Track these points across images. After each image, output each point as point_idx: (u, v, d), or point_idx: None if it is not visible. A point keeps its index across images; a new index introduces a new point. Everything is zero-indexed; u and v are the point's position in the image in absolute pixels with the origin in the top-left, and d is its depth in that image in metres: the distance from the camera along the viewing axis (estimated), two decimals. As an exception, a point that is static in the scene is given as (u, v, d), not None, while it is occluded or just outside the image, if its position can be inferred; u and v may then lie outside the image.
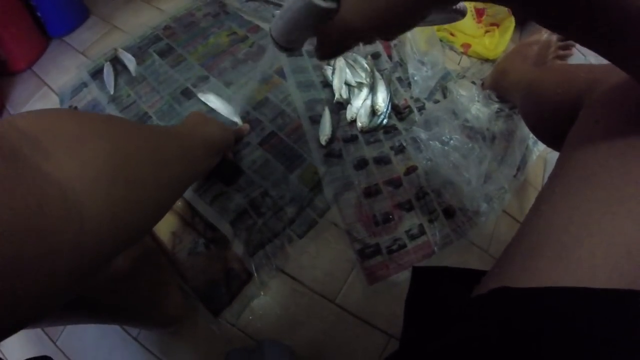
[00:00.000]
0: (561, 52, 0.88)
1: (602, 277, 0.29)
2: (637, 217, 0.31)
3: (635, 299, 0.28)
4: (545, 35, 0.87)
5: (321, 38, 0.31)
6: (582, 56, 0.95)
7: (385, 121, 0.81)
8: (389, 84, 0.85)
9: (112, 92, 0.88)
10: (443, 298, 0.43)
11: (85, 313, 0.50)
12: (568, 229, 0.33)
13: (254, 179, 0.74)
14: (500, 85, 0.90)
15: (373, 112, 0.81)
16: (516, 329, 0.30)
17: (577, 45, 0.88)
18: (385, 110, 0.81)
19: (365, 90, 0.83)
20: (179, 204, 0.73)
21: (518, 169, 0.89)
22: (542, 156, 0.97)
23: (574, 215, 0.33)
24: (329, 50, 0.32)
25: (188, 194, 0.73)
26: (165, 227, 0.71)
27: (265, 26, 0.95)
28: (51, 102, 0.94)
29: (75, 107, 0.88)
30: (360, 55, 0.89)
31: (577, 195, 0.35)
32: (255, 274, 0.68)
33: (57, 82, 0.97)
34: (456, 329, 0.35)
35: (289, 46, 0.35)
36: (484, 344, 0.31)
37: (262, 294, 0.68)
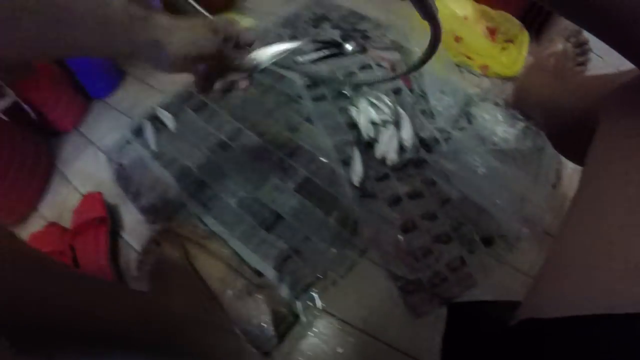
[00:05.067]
0: (579, 59, 0.88)
1: (626, 300, 0.29)
2: None
3: None
4: (560, 45, 0.88)
5: None
6: (600, 58, 0.95)
7: (413, 155, 0.84)
8: (413, 118, 0.87)
9: (154, 149, 0.94)
10: (478, 332, 0.44)
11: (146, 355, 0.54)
12: (590, 253, 0.33)
13: (294, 225, 0.78)
14: (523, 104, 0.91)
15: (401, 147, 0.84)
16: (544, 356, 0.31)
17: (594, 49, 0.88)
18: (412, 144, 0.83)
19: (390, 127, 0.85)
20: (225, 252, 0.77)
21: (553, 186, 0.88)
22: (577, 168, 0.96)
23: (593, 237, 0.33)
24: None
25: (234, 242, 0.77)
26: (215, 274, 0.75)
27: (289, 75, 1.00)
28: (98, 159, 1.00)
29: (122, 165, 0.94)
30: (382, 92, 0.92)
31: (596, 216, 0.35)
32: (302, 316, 0.70)
33: (102, 141, 1.03)
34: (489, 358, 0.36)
35: None
36: None
37: (309, 334, 0.70)
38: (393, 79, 0.46)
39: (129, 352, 0.53)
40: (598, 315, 0.29)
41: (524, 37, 1.09)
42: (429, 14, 0.35)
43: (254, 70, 0.56)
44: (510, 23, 1.10)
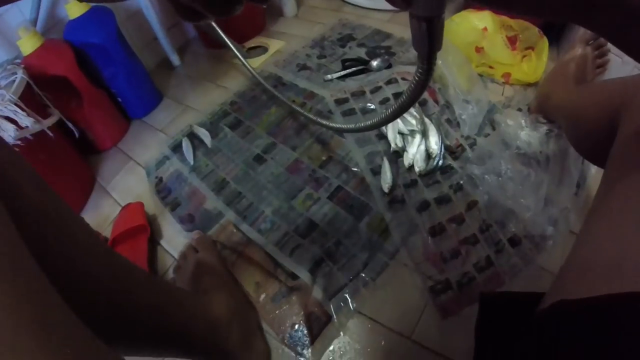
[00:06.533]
0: (599, 61, 0.90)
1: None
2: None
3: None
4: (580, 50, 0.90)
5: None
6: (618, 58, 0.96)
7: (440, 162, 0.88)
8: (439, 127, 0.92)
9: (192, 163, 1.03)
10: (509, 319, 0.45)
11: (183, 351, 0.59)
12: (616, 245, 0.34)
13: (327, 231, 0.83)
14: (545, 109, 0.94)
15: (428, 155, 0.89)
16: (576, 336, 0.32)
17: (612, 50, 0.90)
18: (439, 152, 0.88)
19: (418, 137, 0.90)
20: (261, 257, 0.83)
21: (578, 186, 0.90)
22: (600, 170, 0.97)
23: (619, 229, 0.35)
24: None
25: (270, 247, 0.83)
26: (250, 278, 0.81)
27: (318, 92, 1.07)
28: (137, 174, 1.09)
29: (161, 178, 1.03)
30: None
31: (620, 211, 0.36)
32: (334, 316, 0.74)
33: (141, 157, 1.12)
34: (520, 344, 0.38)
35: None
36: (546, 355, 0.34)
37: (341, 334, 0.73)
38: (380, 125, 0.41)
39: (183, 346, 0.59)
40: (629, 293, 0.30)
41: (544, 43, 1.11)
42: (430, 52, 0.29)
43: None
44: (530, 31, 1.13)
